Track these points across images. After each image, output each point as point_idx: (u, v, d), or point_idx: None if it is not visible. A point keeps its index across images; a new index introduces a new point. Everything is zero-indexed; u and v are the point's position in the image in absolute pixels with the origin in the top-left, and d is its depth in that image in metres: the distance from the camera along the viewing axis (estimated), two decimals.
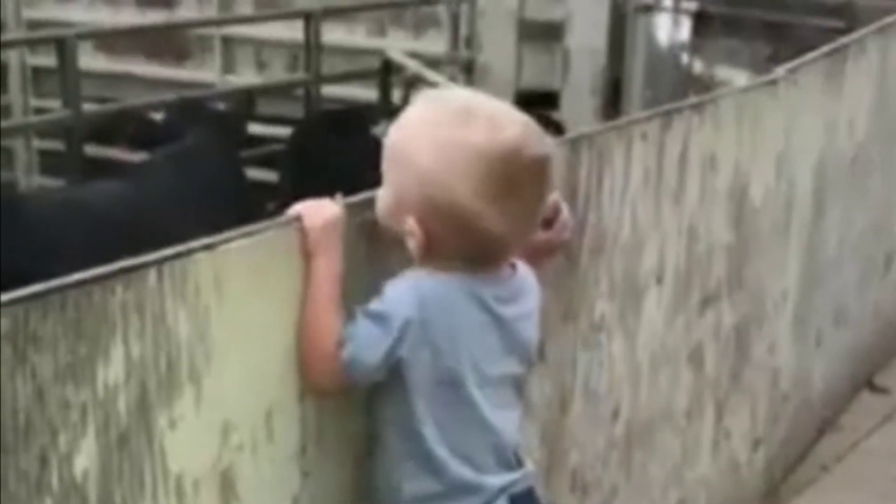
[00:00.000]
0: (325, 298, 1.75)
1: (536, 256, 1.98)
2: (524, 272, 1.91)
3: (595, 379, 2.67)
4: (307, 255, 1.75)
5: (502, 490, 1.86)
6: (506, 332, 1.84)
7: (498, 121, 1.78)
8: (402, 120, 1.82)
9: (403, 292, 1.75)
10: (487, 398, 1.83)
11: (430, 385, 1.77)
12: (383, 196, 1.82)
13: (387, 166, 1.81)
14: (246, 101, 5.33)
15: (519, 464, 1.92)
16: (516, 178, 1.77)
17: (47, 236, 3.75)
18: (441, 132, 1.76)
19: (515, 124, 1.79)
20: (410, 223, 1.76)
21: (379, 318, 1.73)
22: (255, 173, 5.82)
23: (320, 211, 1.77)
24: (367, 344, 1.73)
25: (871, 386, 4.75)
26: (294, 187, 5.33)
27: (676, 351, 2.99)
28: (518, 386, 1.93)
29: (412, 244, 1.77)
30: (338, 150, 4.97)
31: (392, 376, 1.76)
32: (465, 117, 1.77)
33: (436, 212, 1.75)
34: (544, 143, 1.83)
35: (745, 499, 3.61)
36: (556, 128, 5.71)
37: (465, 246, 1.78)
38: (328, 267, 1.76)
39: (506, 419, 1.88)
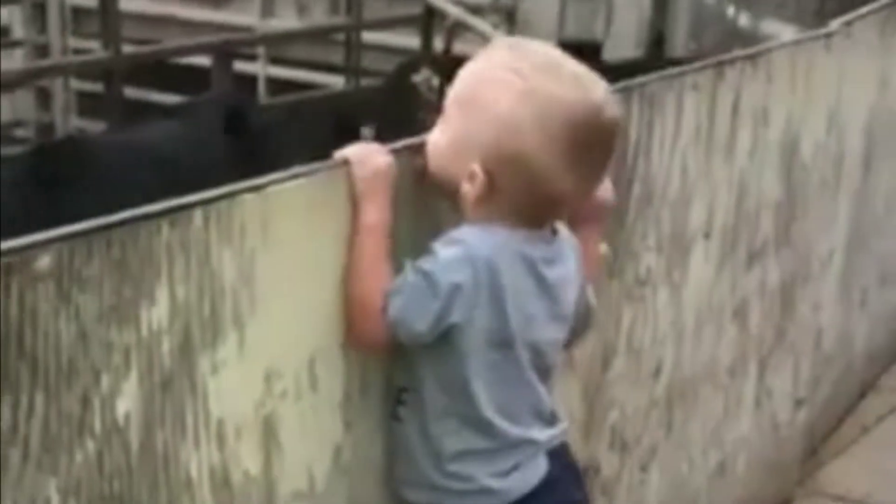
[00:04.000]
0: (372, 249, 1.71)
1: (582, 220, 1.94)
2: (565, 235, 1.87)
3: (639, 334, 2.63)
4: (354, 203, 1.71)
5: (544, 444, 1.85)
6: (550, 295, 1.81)
7: (583, 79, 1.76)
8: (479, 63, 1.78)
9: (454, 254, 1.70)
10: (531, 360, 1.80)
11: (481, 347, 1.73)
12: (443, 137, 1.77)
13: (456, 107, 1.77)
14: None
15: (555, 420, 1.89)
16: (593, 139, 1.75)
17: (117, 179, 3.72)
18: (528, 81, 1.72)
19: (599, 84, 1.77)
20: (474, 167, 1.72)
21: (428, 280, 1.68)
22: None
23: (370, 157, 1.72)
24: (416, 307, 1.69)
25: None
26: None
27: (721, 307, 2.95)
28: (559, 351, 1.90)
29: (470, 189, 1.73)
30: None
31: (441, 338, 1.72)
32: (553, 70, 1.74)
33: (504, 160, 1.71)
34: (619, 108, 1.81)
35: (785, 459, 3.58)
36: None
37: (524, 200, 1.75)
38: (375, 216, 1.71)
39: (545, 381, 1.86)
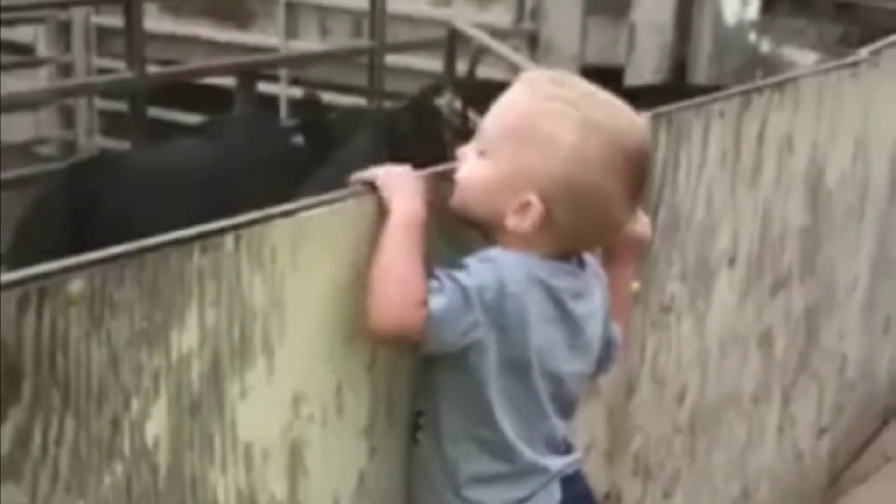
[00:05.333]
0: (411, 240, 1.67)
1: (617, 255, 1.95)
2: (593, 268, 1.87)
3: (663, 362, 2.62)
4: (381, 211, 1.69)
5: (558, 473, 1.83)
6: (575, 328, 1.79)
7: (622, 108, 1.79)
8: (520, 97, 1.77)
9: (485, 273, 1.69)
10: (550, 391, 1.79)
11: (498, 369, 1.72)
12: (489, 172, 1.75)
13: (509, 141, 1.75)
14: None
15: (568, 450, 1.88)
16: (643, 165, 1.79)
17: (148, 197, 3.74)
18: (583, 111, 1.73)
19: (635, 113, 1.80)
20: (530, 198, 1.71)
21: (465, 292, 1.67)
22: None
23: (395, 171, 1.72)
24: (453, 314, 1.66)
25: None
26: None
27: (746, 335, 2.94)
28: (581, 384, 1.88)
29: (519, 221, 1.72)
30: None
31: (461, 357, 1.70)
32: (596, 99, 1.77)
33: (568, 190, 1.72)
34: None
35: (807, 488, 3.55)
36: None
37: (580, 231, 1.76)
38: (409, 210, 1.68)
39: (562, 414, 1.84)
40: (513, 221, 1.73)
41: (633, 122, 1.79)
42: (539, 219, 1.72)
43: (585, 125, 1.72)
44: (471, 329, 1.68)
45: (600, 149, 1.72)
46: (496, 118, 1.78)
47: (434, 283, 1.67)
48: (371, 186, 1.71)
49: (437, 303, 1.65)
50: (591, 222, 1.77)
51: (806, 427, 3.43)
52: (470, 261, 1.71)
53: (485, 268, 1.70)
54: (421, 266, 1.68)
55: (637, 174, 1.77)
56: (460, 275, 1.69)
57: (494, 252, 1.73)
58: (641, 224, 1.96)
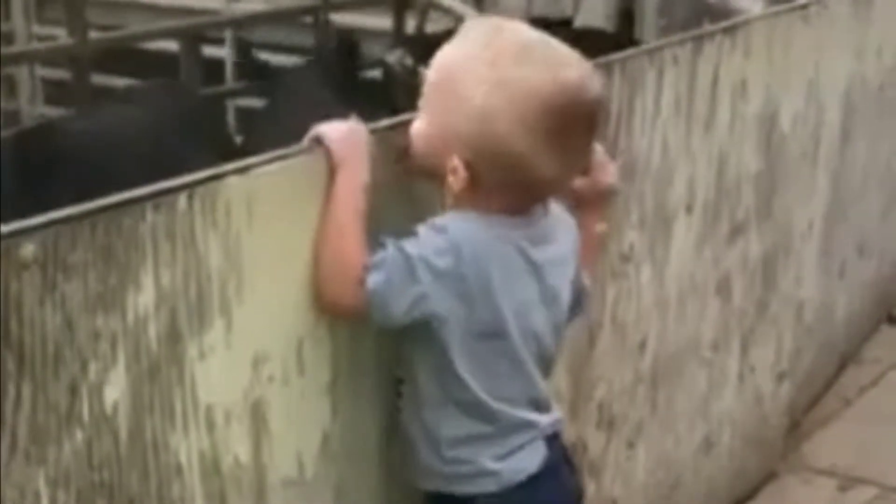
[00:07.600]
0: (350, 211, 1.66)
1: (585, 204, 1.92)
2: (559, 215, 1.83)
3: (623, 311, 2.61)
4: (332, 170, 1.66)
5: (542, 429, 1.83)
6: (540, 277, 1.77)
7: (557, 59, 1.71)
8: (453, 50, 1.73)
9: (438, 242, 1.66)
10: (528, 348, 1.77)
11: (469, 338, 1.70)
12: (424, 130, 1.73)
13: (432, 100, 1.73)
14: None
15: (550, 408, 1.87)
16: (572, 120, 1.70)
17: (84, 165, 3.67)
18: (499, 71, 1.67)
19: (574, 64, 1.72)
20: (455, 162, 1.68)
21: (409, 263, 1.64)
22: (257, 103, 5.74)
23: (342, 127, 1.69)
24: (394, 288, 1.64)
25: (892, 319, 4.71)
26: None
27: (704, 282, 2.93)
28: (558, 335, 1.86)
29: (453, 182, 1.69)
30: None
31: (425, 328, 1.68)
32: (523, 55, 1.69)
33: (486, 151, 1.68)
34: (600, 84, 1.76)
35: (768, 433, 3.57)
36: None
37: (510, 189, 1.71)
38: (353, 178, 1.66)
39: (545, 373, 1.84)
40: (449, 181, 1.70)
41: (560, 78, 1.68)
42: (465, 182, 1.69)
43: (498, 85, 1.66)
44: (419, 301, 1.65)
45: (511, 110, 1.66)
46: (431, 70, 1.75)
47: (377, 257, 1.65)
48: (319, 142, 1.67)
49: (375, 279, 1.64)
50: (517, 180, 1.70)
51: (766, 372, 3.45)
52: (421, 228, 1.68)
53: (436, 236, 1.66)
54: (361, 238, 1.66)
55: (562, 131, 1.68)
56: (408, 243, 1.66)
57: (445, 219, 1.70)
58: (607, 172, 1.93)
